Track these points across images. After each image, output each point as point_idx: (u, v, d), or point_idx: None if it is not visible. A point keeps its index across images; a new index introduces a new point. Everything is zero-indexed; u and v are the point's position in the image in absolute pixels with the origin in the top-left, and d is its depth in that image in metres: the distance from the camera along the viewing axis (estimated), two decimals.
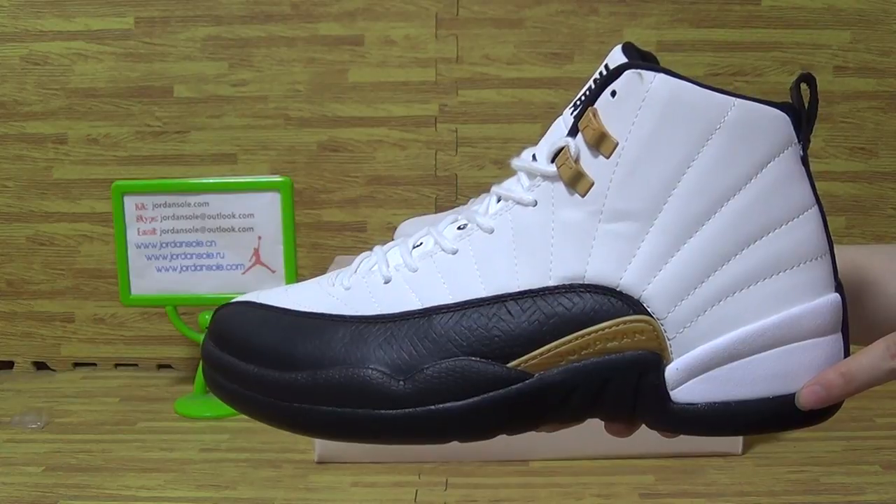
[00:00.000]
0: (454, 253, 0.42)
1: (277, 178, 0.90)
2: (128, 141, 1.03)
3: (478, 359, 0.40)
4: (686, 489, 0.72)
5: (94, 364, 1.08)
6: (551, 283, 0.40)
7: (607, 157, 0.40)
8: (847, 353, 0.41)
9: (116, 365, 1.08)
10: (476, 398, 0.40)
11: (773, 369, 0.40)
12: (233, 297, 0.80)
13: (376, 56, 1.01)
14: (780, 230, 0.40)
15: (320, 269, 1.00)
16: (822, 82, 1.09)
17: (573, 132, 0.41)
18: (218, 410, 0.91)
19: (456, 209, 0.92)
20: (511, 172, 0.46)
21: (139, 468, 0.77)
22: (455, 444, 0.74)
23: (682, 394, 0.40)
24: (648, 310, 0.40)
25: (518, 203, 0.42)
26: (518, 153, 0.44)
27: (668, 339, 0.40)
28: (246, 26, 1.01)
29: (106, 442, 0.83)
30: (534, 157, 0.42)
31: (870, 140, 1.02)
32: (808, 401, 0.39)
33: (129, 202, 0.91)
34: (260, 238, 0.91)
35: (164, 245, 0.92)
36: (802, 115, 0.40)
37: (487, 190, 0.46)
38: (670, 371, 0.40)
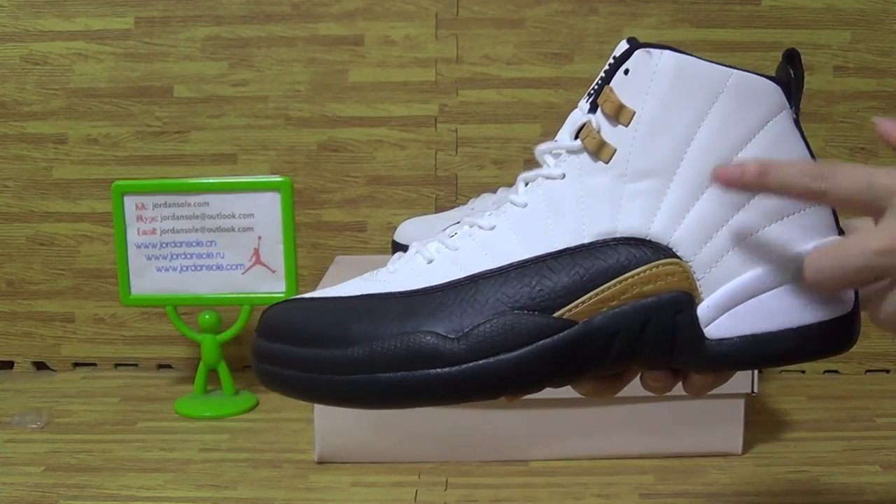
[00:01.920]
0: (492, 229, 0.47)
1: (277, 178, 0.90)
2: (128, 141, 1.03)
3: (525, 312, 0.44)
4: (686, 489, 0.72)
5: (94, 364, 1.08)
6: (586, 240, 0.45)
7: (626, 126, 0.45)
8: (856, 292, 0.45)
9: (116, 365, 1.08)
10: (527, 348, 0.44)
11: (792, 302, 0.44)
12: (233, 297, 0.82)
13: (376, 56, 1.01)
14: None
15: (320, 269, 1.00)
16: (822, 82, 1.10)
17: (592, 110, 0.46)
18: (218, 410, 0.91)
19: (457, 208, 0.92)
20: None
21: (139, 468, 0.77)
22: (454, 444, 0.74)
23: (714, 330, 0.44)
24: (677, 254, 0.45)
25: (547, 178, 0.47)
26: (535, 146, 0.48)
27: (698, 280, 0.45)
28: (246, 26, 1.01)
29: (106, 442, 0.83)
30: (555, 141, 0.47)
31: (870, 140, 1.02)
32: (721, 175, 0.43)
33: (129, 202, 0.91)
34: (260, 238, 0.91)
35: (164, 245, 0.92)
36: (791, 85, 0.45)
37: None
38: (702, 309, 0.44)
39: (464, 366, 0.43)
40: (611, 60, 0.47)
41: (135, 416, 0.90)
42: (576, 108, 0.48)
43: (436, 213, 1.01)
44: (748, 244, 0.45)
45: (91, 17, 1.01)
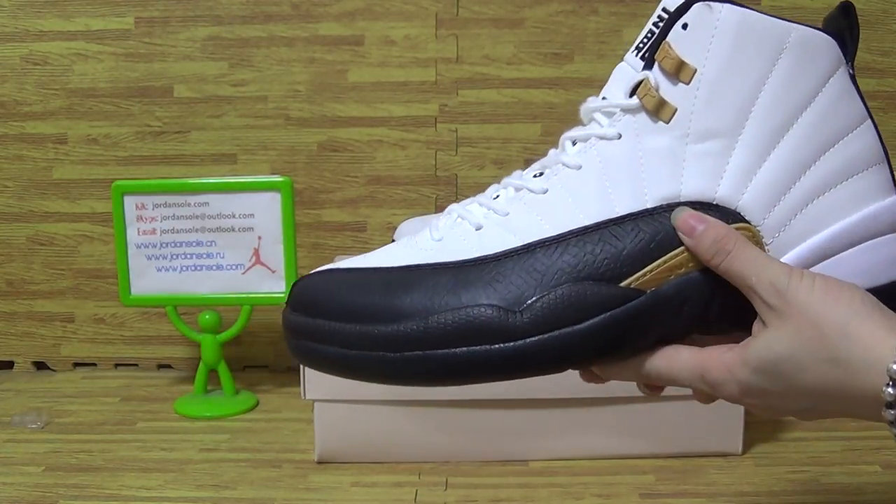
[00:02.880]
0: (544, 192, 0.44)
1: (277, 178, 0.90)
2: (128, 141, 1.03)
3: (590, 282, 0.42)
4: (686, 489, 0.72)
5: (94, 364, 1.08)
6: (649, 205, 0.43)
7: (687, 84, 0.43)
8: None
9: (116, 365, 1.08)
10: (594, 320, 0.42)
11: (860, 265, 0.44)
12: (233, 297, 0.80)
13: (376, 56, 1.01)
14: (847, 139, 0.45)
15: None
16: None
17: (648, 66, 0.44)
18: (218, 410, 0.91)
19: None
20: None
21: (139, 468, 0.77)
22: (454, 444, 0.74)
23: None
24: (746, 218, 0.43)
25: (601, 139, 0.44)
26: (583, 101, 0.46)
27: (766, 245, 0.43)
28: (246, 26, 1.01)
29: (106, 442, 0.83)
30: (604, 98, 0.45)
31: None
32: (681, 221, 0.43)
33: (129, 202, 0.91)
34: (260, 238, 0.91)
35: (164, 245, 0.92)
36: (847, 39, 0.44)
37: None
38: None
39: (528, 340, 0.41)
40: (661, 13, 0.44)
41: (135, 416, 0.90)
42: (623, 60, 0.46)
43: (436, 213, 1.01)
44: (815, 207, 0.44)
45: (91, 17, 1.01)
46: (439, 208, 1.03)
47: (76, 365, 1.08)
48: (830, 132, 0.44)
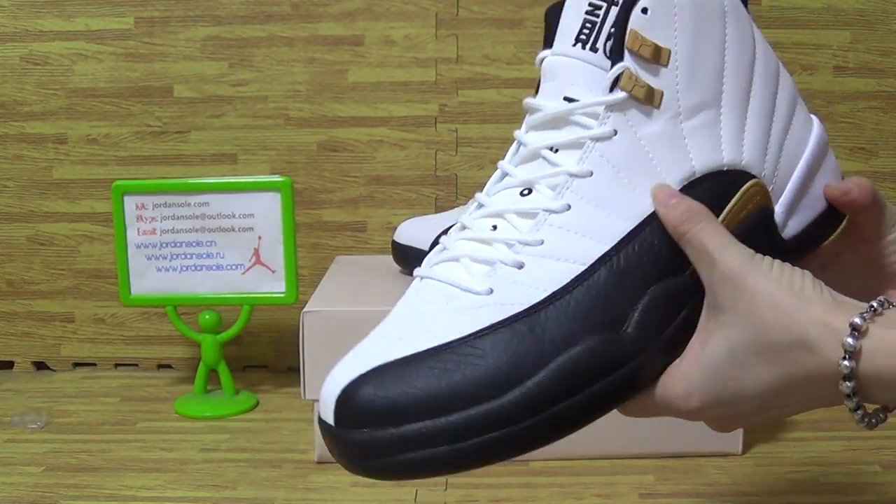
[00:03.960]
0: (568, 209, 0.43)
1: (277, 178, 0.90)
2: (128, 141, 1.03)
3: (664, 280, 0.42)
4: (686, 489, 0.72)
5: (94, 364, 1.08)
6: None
7: (666, 66, 0.43)
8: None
9: (116, 365, 1.08)
10: (685, 311, 0.43)
11: (821, 186, 0.49)
12: (233, 297, 0.76)
13: (376, 56, 1.01)
14: (781, 79, 0.48)
15: (320, 269, 1.00)
16: (822, 82, 1.10)
17: (618, 57, 0.43)
18: (218, 410, 0.91)
19: (457, 208, 0.92)
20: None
21: (139, 468, 0.77)
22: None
23: (787, 231, 0.47)
24: (752, 173, 0.45)
25: (598, 140, 0.43)
26: (529, 112, 0.46)
27: (770, 192, 0.46)
28: (246, 26, 1.01)
29: (106, 442, 0.83)
30: (571, 101, 0.44)
31: (870, 140, 1.02)
32: (658, 191, 0.44)
33: (129, 202, 0.91)
34: (260, 238, 0.91)
35: (164, 245, 0.92)
36: None
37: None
38: (777, 216, 0.47)
39: (641, 355, 0.41)
40: (594, 2, 0.44)
41: (135, 416, 0.90)
42: (557, 59, 0.44)
43: (436, 213, 1.01)
44: (789, 143, 0.47)
45: (91, 17, 1.01)
46: (439, 208, 1.03)
47: (76, 365, 1.08)
48: (772, 77, 0.47)
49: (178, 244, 0.92)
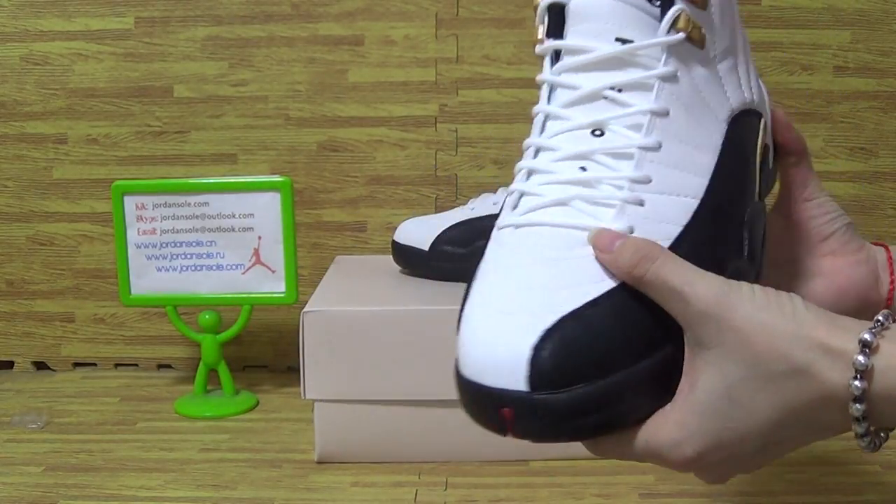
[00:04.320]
0: (660, 147, 0.43)
1: (277, 178, 0.90)
2: (128, 141, 1.03)
3: (750, 203, 0.46)
4: (686, 489, 0.72)
5: (94, 364, 1.08)
6: (724, 126, 0.46)
7: (705, 10, 0.45)
8: None
9: (116, 365, 1.08)
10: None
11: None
12: (233, 297, 0.76)
13: (376, 56, 1.01)
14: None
15: (320, 269, 1.00)
16: (822, 82, 1.10)
17: (668, 3, 0.44)
18: (218, 410, 0.91)
19: (457, 208, 0.92)
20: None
21: (139, 468, 0.77)
22: (454, 444, 0.74)
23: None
24: (761, 112, 0.49)
25: (665, 80, 0.44)
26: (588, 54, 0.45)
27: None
28: (246, 26, 1.01)
29: (106, 442, 0.83)
30: (622, 41, 0.44)
31: (870, 140, 1.02)
32: (598, 237, 0.41)
33: (129, 202, 0.91)
34: (260, 238, 0.91)
35: (164, 245, 0.92)
36: None
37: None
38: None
39: (757, 274, 0.45)
40: None
41: (135, 416, 0.90)
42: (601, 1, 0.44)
43: (436, 213, 1.01)
44: (757, 85, 0.50)
45: (91, 17, 1.01)
46: (439, 208, 1.03)
47: (76, 365, 1.08)
48: (738, 21, 0.49)
49: (178, 244, 0.92)
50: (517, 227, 0.43)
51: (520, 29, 1.00)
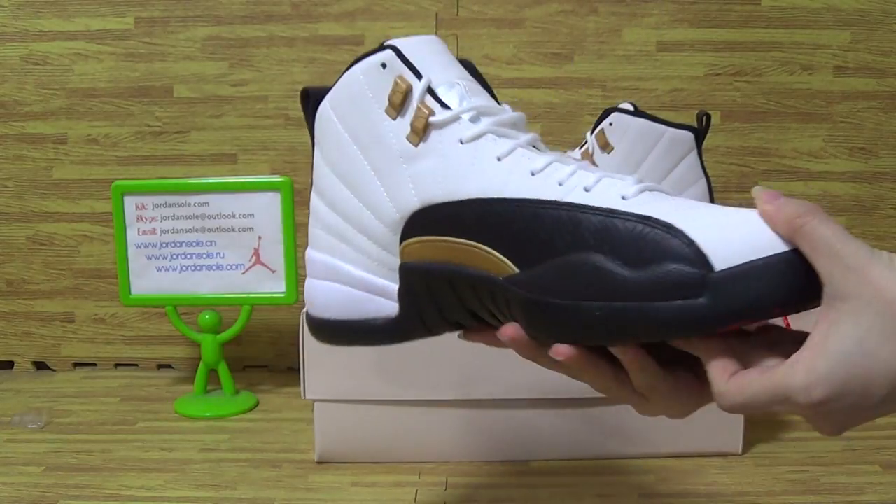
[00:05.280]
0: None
1: (277, 178, 0.90)
2: (128, 141, 1.03)
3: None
4: (686, 489, 0.72)
5: (94, 364, 1.08)
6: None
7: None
8: None
9: (116, 365, 1.08)
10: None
11: None
12: (233, 297, 0.76)
13: None
14: None
15: None
16: (822, 82, 1.10)
17: None
18: (218, 410, 0.91)
19: None
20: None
21: (139, 468, 0.77)
22: (454, 444, 0.74)
23: None
24: None
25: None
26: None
27: None
28: (246, 26, 1.01)
29: (106, 442, 0.83)
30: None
31: (870, 140, 1.02)
32: (763, 192, 0.45)
33: (129, 202, 0.91)
34: (260, 238, 0.91)
35: (164, 245, 0.92)
36: None
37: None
38: None
39: None
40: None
41: (135, 416, 0.90)
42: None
43: None
44: None
45: (91, 17, 1.01)
46: None
47: (76, 365, 1.08)
48: None
49: (178, 244, 0.92)
50: (651, 190, 0.47)
51: (520, 29, 1.00)
